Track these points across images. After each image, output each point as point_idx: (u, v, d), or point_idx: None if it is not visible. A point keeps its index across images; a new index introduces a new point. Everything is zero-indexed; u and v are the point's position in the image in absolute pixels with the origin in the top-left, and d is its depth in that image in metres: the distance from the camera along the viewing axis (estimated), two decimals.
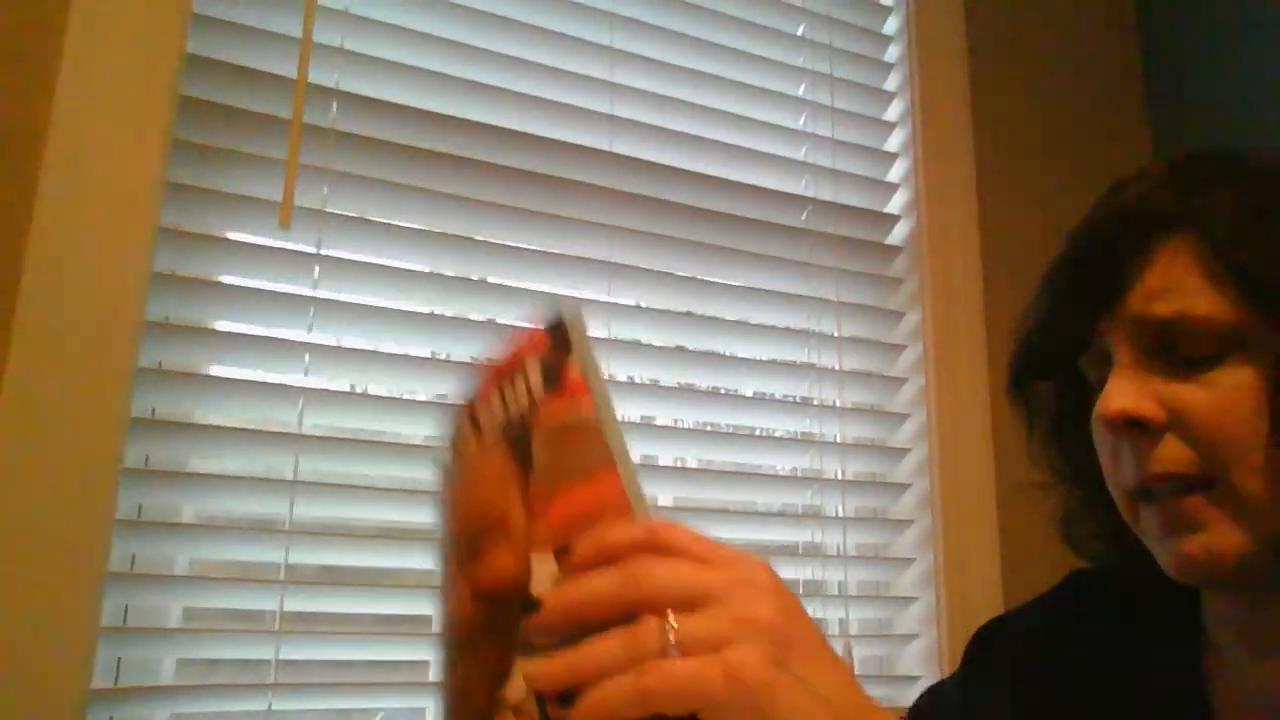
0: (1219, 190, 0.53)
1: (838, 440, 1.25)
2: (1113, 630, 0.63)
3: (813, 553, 1.21)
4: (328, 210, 1.01)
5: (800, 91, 1.34)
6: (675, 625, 0.36)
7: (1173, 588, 0.55)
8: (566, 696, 0.36)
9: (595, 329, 1.13)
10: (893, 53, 1.42)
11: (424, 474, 1.05)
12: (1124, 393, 0.52)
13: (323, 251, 1.00)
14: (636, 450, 1.17)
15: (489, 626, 0.42)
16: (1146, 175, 0.56)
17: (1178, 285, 0.52)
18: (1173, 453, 0.51)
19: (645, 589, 0.37)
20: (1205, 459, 0.51)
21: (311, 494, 0.95)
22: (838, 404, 1.26)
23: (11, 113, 0.88)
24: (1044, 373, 0.62)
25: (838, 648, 1.17)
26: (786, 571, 1.22)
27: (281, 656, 0.91)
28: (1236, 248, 0.51)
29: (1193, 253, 0.52)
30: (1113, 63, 1.63)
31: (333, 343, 1.01)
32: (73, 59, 0.89)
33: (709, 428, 1.20)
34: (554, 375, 0.42)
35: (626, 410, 1.14)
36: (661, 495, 1.18)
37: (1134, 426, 0.52)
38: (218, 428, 0.96)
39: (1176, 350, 0.52)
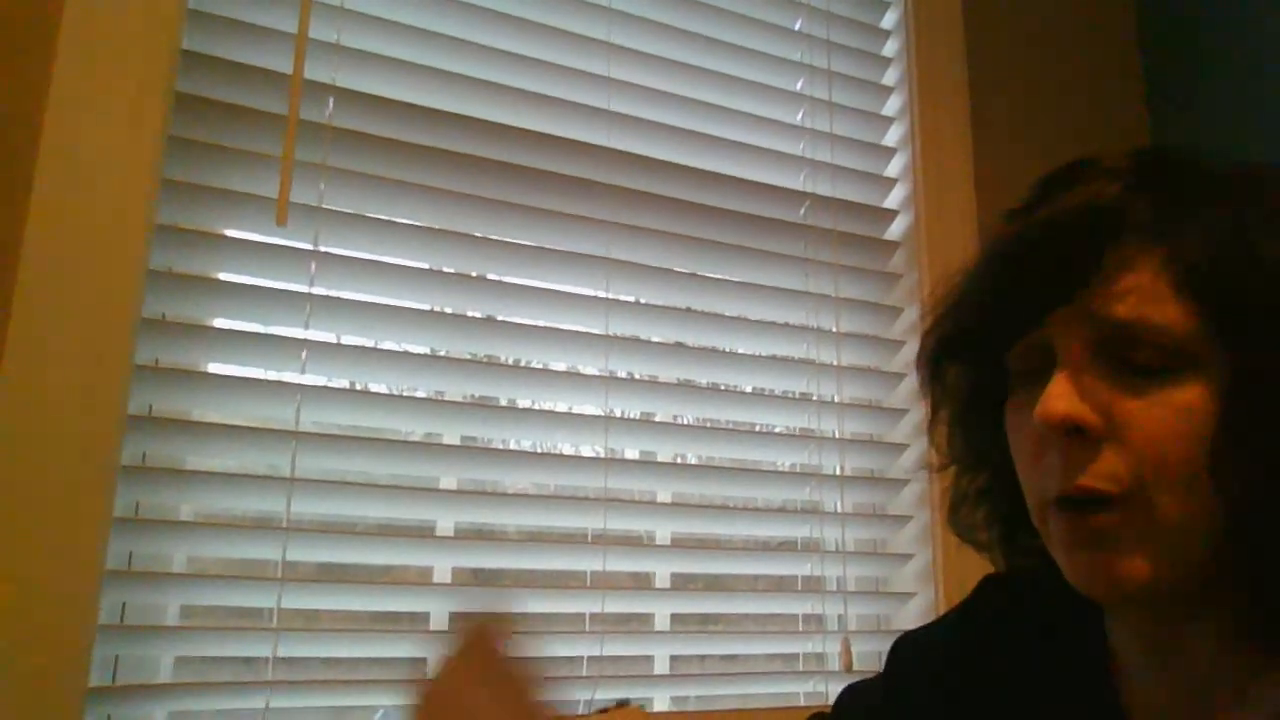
0: (1195, 203, 0.51)
1: (837, 436, 1.25)
2: (1025, 639, 0.62)
3: (811, 548, 1.21)
4: (324, 207, 1.00)
5: (798, 86, 1.34)
6: None
7: (1081, 595, 0.55)
8: None
9: (594, 325, 1.13)
10: (891, 47, 1.42)
11: (421, 471, 1.04)
12: (1067, 396, 0.50)
13: (320, 248, 1.00)
14: (636, 446, 1.17)
15: None
16: (1097, 169, 0.54)
17: (1143, 291, 0.49)
18: (1105, 468, 0.49)
19: None
20: (1136, 477, 0.48)
21: (309, 491, 0.95)
22: (837, 399, 1.26)
23: (6, 109, 0.87)
24: (964, 357, 0.60)
25: (837, 643, 1.17)
26: (785, 567, 1.22)
27: (279, 654, 0.91)
28: (1207, 266, 0.48)
29: (1162, 264, 0.49)
30: (1112, 58, 1.62)
31: (330, 340, 1.01)
32: (68, 56, 0.89)
33: (708, 423, 1.20)
34: None
35: (626, 406, 1.14)
36: (661, 491, 1.18)
37: (1069, 434, 0.50)
38: (215, 425, 0.96)
39: (1128, 357, 0.49)
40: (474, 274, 1.09)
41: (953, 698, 0.63)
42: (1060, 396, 0.50)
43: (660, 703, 1.12)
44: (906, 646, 0.71)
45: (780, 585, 1.25)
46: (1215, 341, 0.48)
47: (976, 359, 0.59)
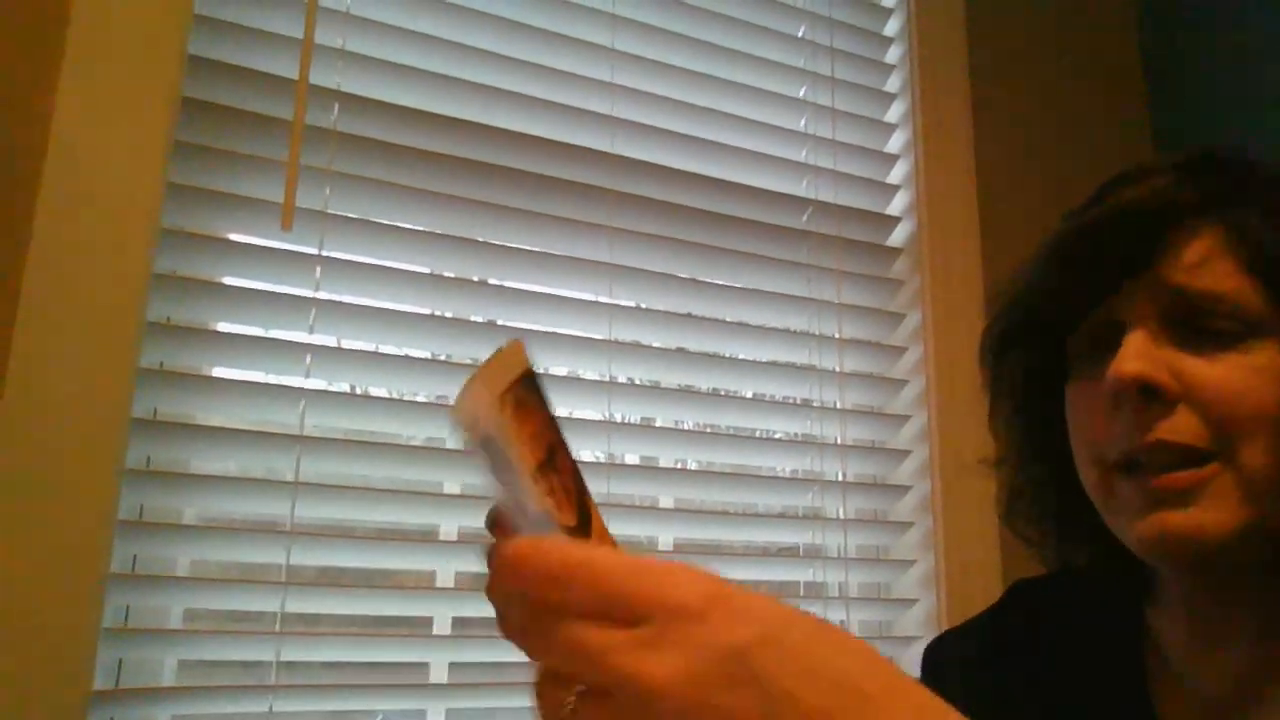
0: (1248, 183, 0.54)
1: (838, 442, 1.25)
2: (1056, 641, 0.63)
3: (813, 555, 1.21)
4: (329, 212, 1.01)
5: (801, 93, 1.34)
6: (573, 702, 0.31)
7: (1113, 591, 0.55)
8: None
9: (596, 330, 1.13)
10: (894, 54, 1.42)
11: (425, 475, 1.05)
12: (1141, 356, 0.51)
13: (324, 253, 1.00)
14: (638, 451, 1.17)
15: None
16: (1168, 166, 0.57)
17: (1209, 264, 0.52)
18: (1181, 424, 0.51)
19: (553, 658, 0.32)
20: (1214, 434, 0.50)
21: (313, 495, 0.95)
22: (839, 406, 1.26)
23: (13, 115, 0.88)
24: (1027, 341, 0.61)
25: None
26: (787, 573, 1.22)
27: (282, 658, 0.91)
28: (1268, 238, 0.52)
29: (1224, 239, 0.53)
30: (1114, 64, 1.63)
31: (334, 344, 1.01)
32: (74, 61, 0.89)
33: (710, 429, 1.20)
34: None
35: (627, 411, 1.14)
36: (662, 497, 1.18)
37: (1144, 393, 0.51)
38: (219, 429, 0.96)
39: (1198, 325, 0.52)
40: (477, 279, 1.10)
41: (986, 700, 0.64)
42: (1133, 357, 0.52)
43: None
44: (937, 652, 0.71)
45: (782, 591, 1.25)
46: (1277, 308, 0.51)
47: (1041, 343, 0.60)
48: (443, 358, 1.10)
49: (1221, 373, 0.51)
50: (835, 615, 1.19)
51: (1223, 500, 0.50)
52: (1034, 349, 0.61)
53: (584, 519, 0.48)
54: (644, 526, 1.15)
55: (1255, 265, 0.52)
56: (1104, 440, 0.54)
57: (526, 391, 0.46)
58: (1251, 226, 0.52)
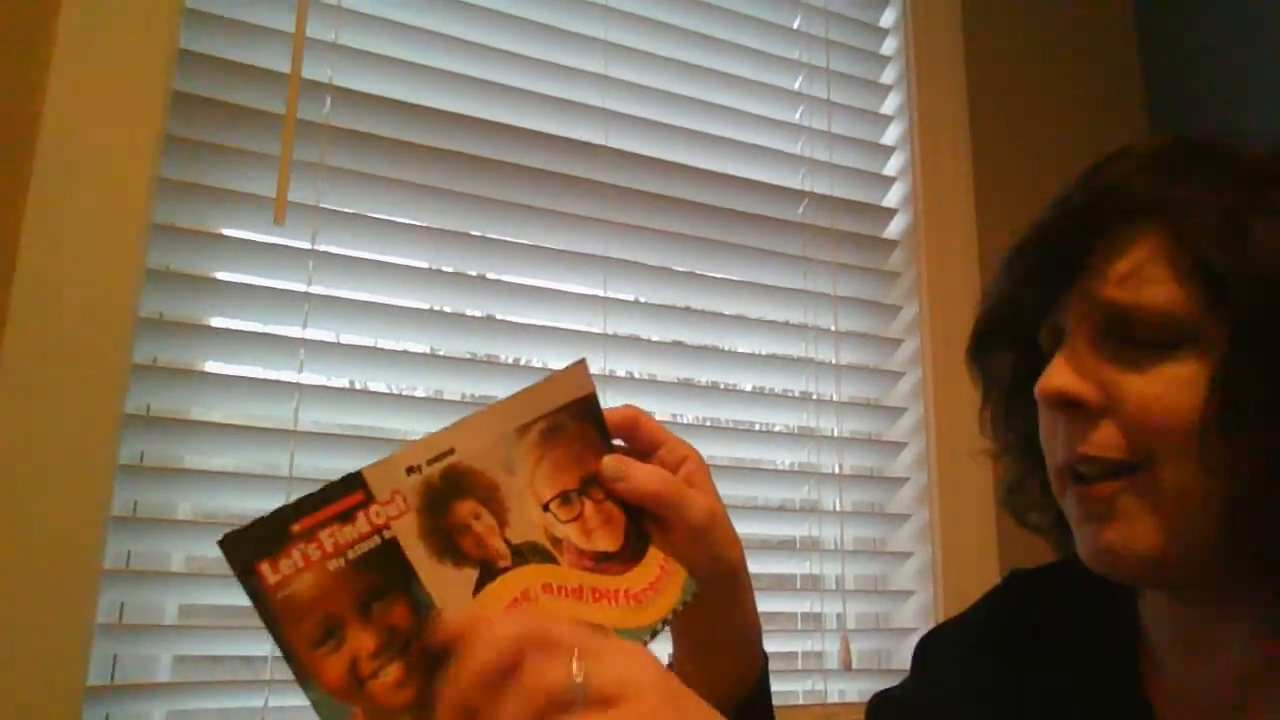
0: (1198, 183, 0.52)
1: (835, 434, 1.25)
2: (1051, 631, 0.63)
3: (810, 547, 1.21)
4: (322, 206, 1.00)
5: (796, 85, 1.34)
6: None
7: (1111, 586, 0.55)
8: None
9: (593, 323, 1.13)
10: (889, 45, 1.42)
11: None
12: (1064, 372, 0.52)
13: (317, 247, 0.99)
14: None
15: None
16: (1127, 156, 0.56)
17: (1141, 273, 0.51)
18: (1103, 437, 0.51)
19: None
20: (1134, 447, 0.50)
21: (307, 490, 0.95)
22: (835, 398, 1.26)
23: (3, 109, 0.87)
24: (1002, 343, 0.62)
25: (835, 642, 1.17)
26: (784, 566, 1.22)
27: (277, 653, 0.91)
28: (1204, 243, 0.50)
29: (1161, 242, 0.51)
30: (1111, 55, 1.62)
31: (328, 339, 1.01)
32: (65, 55, 0.89)
33: (707, 423, 1.20)
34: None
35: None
36: None
37: (1070, 406, 0.52)
38: (213, 424, 0.96)
39: (1128, 335, 0.51)
40: (472, 273, 1.09)
41: (983, 691, 0.64)
42: (1057, 373, 0.53)
43: None
44: (934, 644, 0.71)
45: (779, 583, 1.25)
46: (1213, 317, 0.49)
47: (1012, 343, 0.61)
48: (438, 352, 1.10)
49: (1144, 385, 0.50)
50: (832, 608, 1.19)
51: (1140, 515, 0.50)
52: (1010, 349, 0.62)
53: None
54: None
55: (1191, 272, 0.50)
56: (1051, 447, 0.56)
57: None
58: (1193, 231, 0.50)
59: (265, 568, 0.41)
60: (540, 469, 0.49)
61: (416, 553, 0.44)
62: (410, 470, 0.45)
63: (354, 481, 0.44)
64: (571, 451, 0.50)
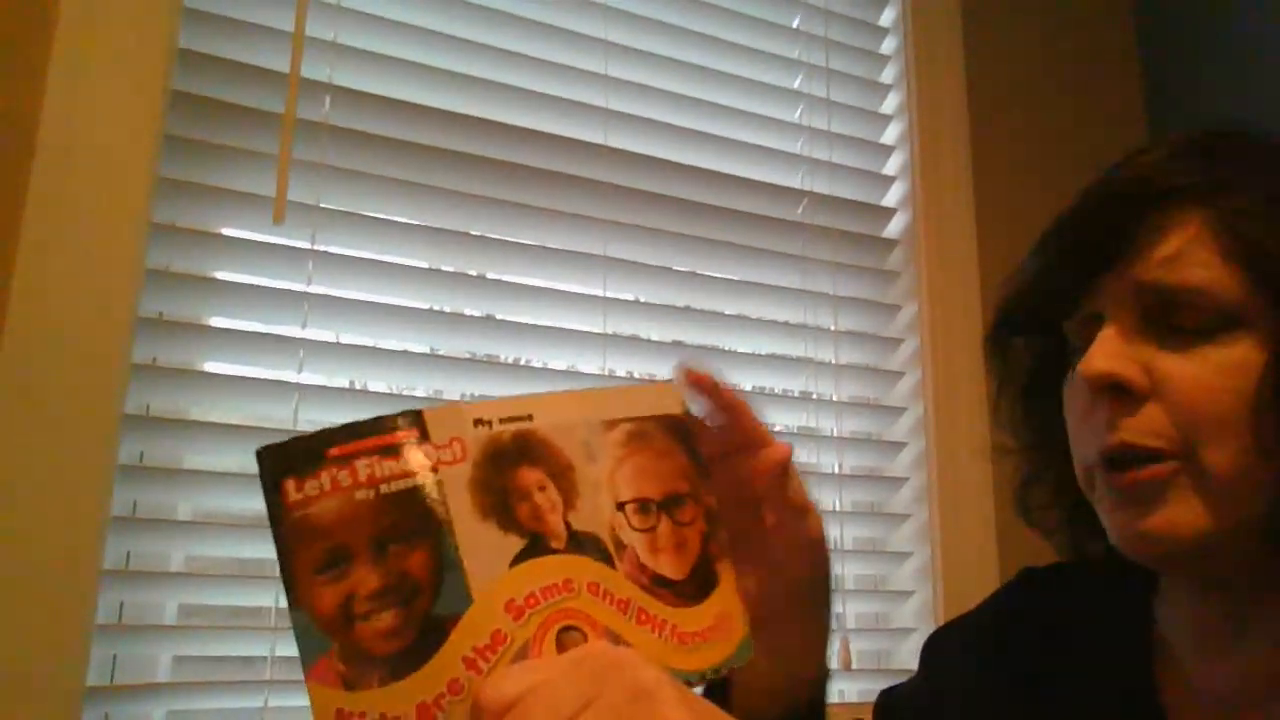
0: (1236, 167, 0.52)
1: (835, 434, 1.25)
2: (1063, 630, 0.62)
3: None
4: (322, 205, 1.00)
5: (796, 84, 1.34)
6: None
7: (1123, 585, 0.54)
8: None
9: (593, 323, 1.13)
10: (889, 45, 1.42)
11: None
12: (1110, 354, 0.51)
13: (317, 247, 0.99)
14: None
15: None
16: (1164, 144, 0.55)
17: (1187, 255, 0.50)
18: (1149, 423, 0.50)
19: None
20: (1182, 433, 0.49)
21: None
22: (835, 398, 1.26)
23: (2, 108, 0.87)
24: (1026, 330, 0.61)
25: (835, 642, 1.17)
26: None
27: (278, 653, 0.91)
28: (1251, 225, 0.49)
29: (1206, 226, 0.50)
30: (1111, 55, 1.62)
31: (328, 338, 1.01)
32: (64, 54, 0.89)
33: None
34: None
35: None
36: None
37: (1114, 390, 0.51)
38: (213, 424, 0.96)
39: (1173, 320, 0.50)
40: (472, 272, 1.09)
41: (994, 689, 0.63)
42: (1101, 355, 0.51)
43: None
44: (943, 641, 0.71)
45: None
46: (1262, 301, 0.49)
47: (1037, 331, 0.60)
48: (438, 352, 1.10)
49: (1192, 369, 0.49)
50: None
51: (1186, 499, 0.49)
52: (1035, 339, 0.61)
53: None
54: None
55: (1236, 254, 0.49)
56: (1084, 437, 0.54)
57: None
58: (1236, 212, 0.50)
59: (290, 484, 0.39)
60: (623, 468, 0.46)
61: (460, 503, 0.42)
62: (479, 423, 0.43)
63: (411, 418, 0.42)
64: (659, 463, 0.48)
